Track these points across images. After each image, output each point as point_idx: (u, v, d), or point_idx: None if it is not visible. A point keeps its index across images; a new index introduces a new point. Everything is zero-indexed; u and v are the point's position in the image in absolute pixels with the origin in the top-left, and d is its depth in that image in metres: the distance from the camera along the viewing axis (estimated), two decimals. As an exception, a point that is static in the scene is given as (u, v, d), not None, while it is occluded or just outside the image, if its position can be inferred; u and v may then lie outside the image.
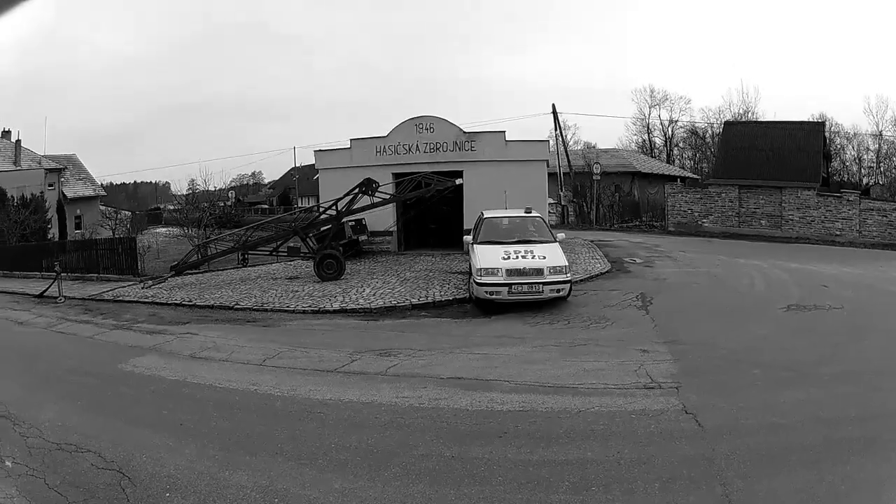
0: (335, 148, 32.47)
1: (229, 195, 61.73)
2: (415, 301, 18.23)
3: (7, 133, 69.91)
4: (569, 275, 16.95)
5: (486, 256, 17.11)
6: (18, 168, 63.34)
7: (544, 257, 16.78)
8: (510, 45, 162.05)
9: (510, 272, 16.31)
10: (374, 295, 19.64)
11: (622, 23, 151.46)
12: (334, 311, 18.27)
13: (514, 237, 18.32)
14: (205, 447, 9.21)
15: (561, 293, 16.57)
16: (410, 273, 23.16)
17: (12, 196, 53.43)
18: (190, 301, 22.18)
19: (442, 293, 18.86)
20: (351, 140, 31.19)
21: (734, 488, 6.68)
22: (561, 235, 19.84)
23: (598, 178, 50.75)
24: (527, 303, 16.58)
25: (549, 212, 37.06)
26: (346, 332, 15.94)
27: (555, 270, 16.42)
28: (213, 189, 51.98)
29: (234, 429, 9.86)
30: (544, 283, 16.23)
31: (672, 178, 55.14)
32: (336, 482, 7.53)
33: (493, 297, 16.52)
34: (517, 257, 16.74)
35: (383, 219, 27.61)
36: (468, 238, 19.49)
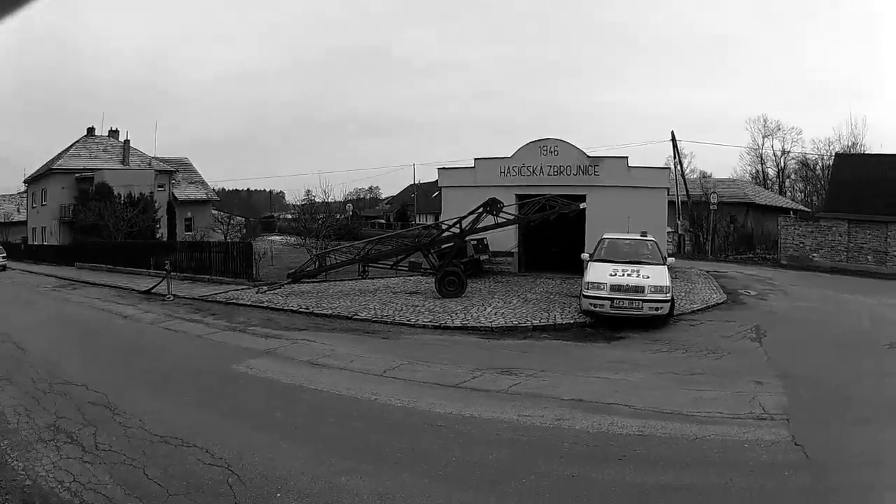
0: (459, 166, 33.46)
1: (347, 208, 63.00)
2: (536, 322, 18.71)
3: (115, 133, 73.54)
4: (668, 294, 18.36)
5: (596, 272, 19.05)
6: (127, 167, 66.36)
7: (648, 277, 18.40)
8: (624, 75, 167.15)
9: (614, 287, 18.14)
10: (495, 314, 20.11)
11: (737, 52, 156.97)
12: (455, 328, 18.75)
13: (627, 258, 20.09)
14: (320, 452, 9.52)
15: (659, 311, 18.16)
16: (532, 294, 23.58)
17: (119, 194, 55.95)
18: (307, 308, 22.96)
19: (563, 316, 19.35)
20: (475, 159, 32.16)
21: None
22: (671, 260, 21.44)
23: (715, 207, 51.51)
24: (629, 319, 18.20)
25: (668, 241, 37.34)
26: (467, 348, 16.39)
27: (655, 289, 18.04)
28: (330, 201, 53.16)
29: (352, 436, 10.23)
30: (643, 301, 17.95)
31: (784, 211, 54.87)
32: (455, 494, 7.78)
33: (597, 309, 18.38)
34: (623, 275, 18.53)
35: (505, 239, 28.54)
36: (585, 255, 21.34)
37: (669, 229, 42.14)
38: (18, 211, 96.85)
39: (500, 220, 24.88)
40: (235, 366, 15.22)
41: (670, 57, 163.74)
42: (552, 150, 30.28)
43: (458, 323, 19.24)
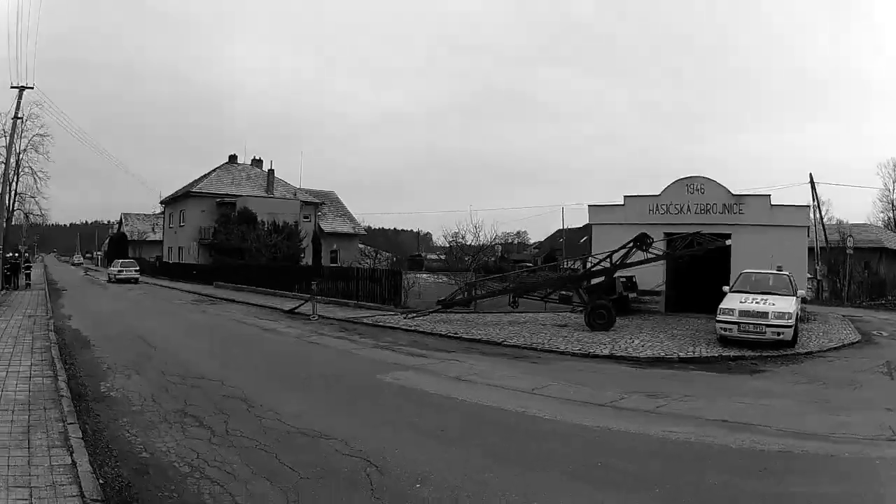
0: (609, 203, 33.99)
1: (496, 249, 63.46)
2: (682, 355, 19.30)
3: (258, 162, 76.50)
4: (791, 321, 20.04)
5: (729, 301, 21.33)
6: (271, 196, 68.48)
7: (773, 304, 20.45)
8: (752, 121, 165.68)
9: (741, 313, 20.32)
10: (642, 346, 20.79)
11: (868, 96, 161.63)
12: (603, 357, 19.30)
13: (760, 289, 22.33)
14: (465, 452, 9.91)
15: (781, 336, 19.95)
16: (678, 331, 24.16)
17: (263, 221, 58.14)
18: (455, 334, 23.72)
19: (708, 350, 19.97)
20: (625, 197, 33.05)
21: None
22: (802, 292, 23.67)
23: (851, 252, 52.38)
24: (753, 342, 20.09)
25: (807, 287, 37.79)
26: (615, 375, 16.82)
27: (778, 315, 19.96)
28: (479, 243, 53.83)
29: (499, 441, 10.61)
30: (766, 325, 19.89)
31: None
32: (599, 494, 8.14)
33: (726, 333, 20.60)
34: (752, 302, 20.76)
35: (652, 278, 29.17)
36: (726, 288, 23.09)
37: (808, 275, 42.19)
38: (153, 230, 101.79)
39: (649, 256, 25.45)
40: (381, 376, 15.81)
41: (801, 101, 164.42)
42: (699, 188, 30.83)
43: (605, 352, 19.76)
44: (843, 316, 33.09)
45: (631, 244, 25.07)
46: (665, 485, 8.45)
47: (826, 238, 54.04)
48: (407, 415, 12.12)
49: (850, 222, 69.57)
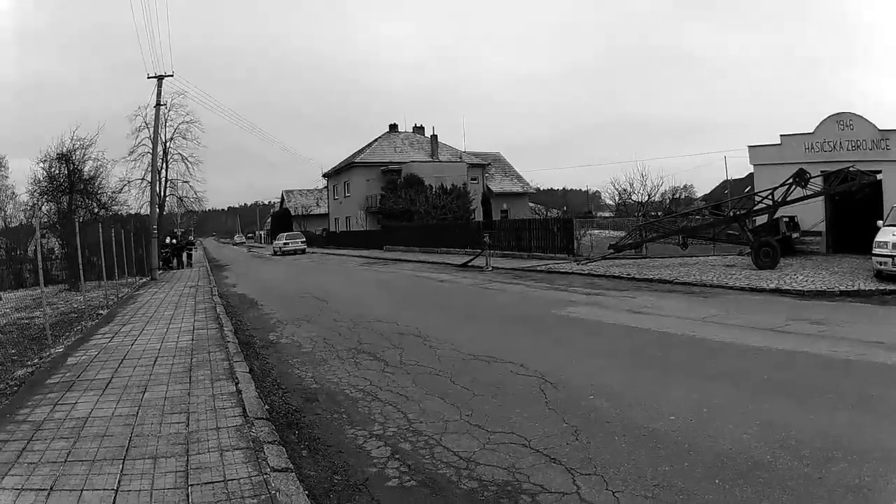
0: (767, 144, 33.50)
1: (665, 200, 62.50)
2: (842, 288, 19.29)
3: (420, 129, 77.40)
4: None
5: (883, 234, 20.65)
6: (436, 160, 69.07)
7: None
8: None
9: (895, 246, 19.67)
10: (805, 281, 20.82)
11: None
12: (769, 290, 19.56)
13: None
14: (636, 367, 10.33)
15: None
16: (838, 268, 23.96)
17: (430, 185, 58.76)
18: (628, 275, 24.28)
19: (866, 284, 19.77)
20: (781, 136, 32.61)
21: None
22: None
23: None
24: None
25: None
26: (780, 305, 16.87)
27: None
28: (643, 198, 53.05)
29: (669, 359, 10.99)
30: None
31: None
32: (765, 402, 8.27)
33: (882, 267, 20.10)
34: None
35: (812, 218, 29.11)
36: (880, 223, 22.33)
37: None
38: (318, 204, 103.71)
39: (807, 192, 25.35)
40: (556, 311, 16.24)
41: None
42: (848, 124, 29.97)
43: (771, 287, 20.05)
44: None
45: (791, 181, 25.11)
46: (825, 394, 8.50)
47: None
48: (580, 341, 12.46)
49: None
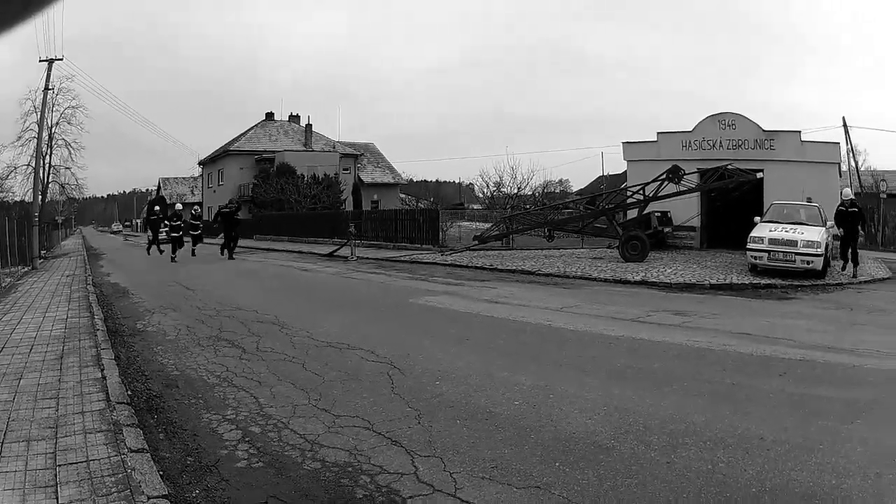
0: (643, 140, 34.02)
1: (536, 195, 63.49)
2: (713, 282, 19.57)
3: (296, 117, 76.78)
4: (819, 250, 20.07)
5: (759, 230, 21.41)
6: (310, 149, 68.93)
7: (803, 234, 20.46)
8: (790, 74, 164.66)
9: (771, 241, 20.42)
10: (674, 274, 21.12)
11: None
12: (635, 282, 19.88)
13: (789, 219, 22.35)
14: (486, 355, 10.34)
15: (811, 265, 19.98)
16: (711, 263, 24.45)
17: (302, 174, 58.58)
18: (491, 266, 24.40)
19: (739, 278, 20.17)
20: (658, 133, 33.11)
21: None
22: (830, 223, 22.72)
23: (885, 196, 51.82)
24: (783, 271, 20.29)
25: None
26: (644, 297, 17.22)
27: (807, 244, 20.01)
28: (516, 191, 53.78)
29: (521, 347, 11.12)
30: (796, 254, 19.99)
31: None
32: (615, 389, 8.37)
33: (756, 261, 20.82)
34: (780, 231, 20.75)
35: (687, 213, 29.14)
36: (757, 218, 23.00)
37: None
38: (192, 192, 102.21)
39: (681, 188, 25.56)
40: (413, 300, 16.37)
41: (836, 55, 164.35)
42: (730, 123, 30.78)
43: (637, 279, 20.40)
44: (876, 258, 32.62)
45: (664, 176, 25.32)
46: (682, 382, 8.64)
47: (860, 183, 53.79)
48: (434, 329, 12.57)
49: (887, 170, 68.98)
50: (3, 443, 6.41)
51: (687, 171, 25.99)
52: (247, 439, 6.67)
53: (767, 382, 8.72)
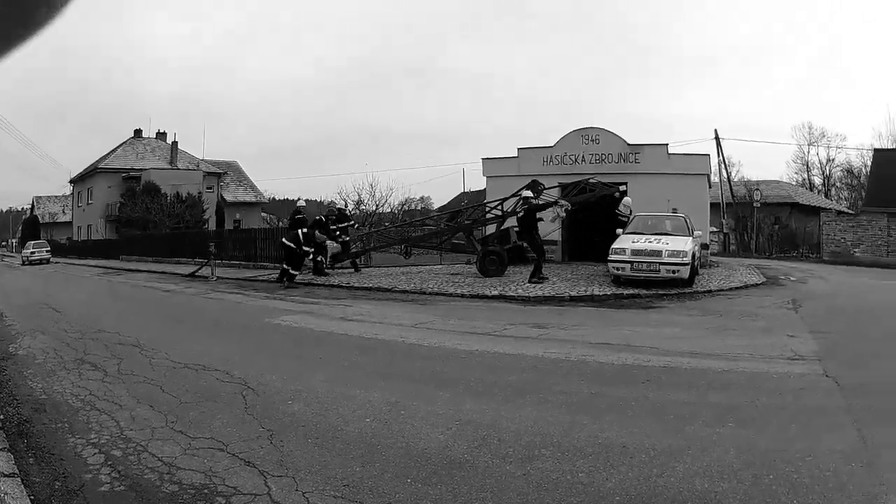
0: (502, 156, 33.65)
1: (396, 213, 63.76)
2: (573, 294, 19.40)
3: (163, 135, 75.99)
4: (686, 259, 19.72)
5: (621, 241, 21.01)
6: (175, 168, 68.29)
7: (667, 244, 20.11)
8: (667, 82, 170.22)
9: (634, 252, 19.97)
10: (533, 287, 20.82)
11: (780, 60, 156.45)
12: (492, 297, 19.56)
13: (654, 230, 21.97)
14: (339, 373, 10.31)
15: (677, 274, 19.64)
16: (572, 275, 24.22)
17: (166, 193, 57.79)
18: (348, 284, 24.06)
19: (601, 290, 19.93)
20: (518, 149, 32.72)
21: (869, 432, 6.98)
22: (699, 233, 22.91)
23: (759, 205, 53.12)
24: (648, 281, 19.92)
25: (712, 239, 39.30)
26: (502, 312, 16.92)
27: (672, 254, 19.63)
28: (375, 208, 54.00)
29: (373, 363, 11.04)
30: (661, 263, 19.58)
31: (827, 211, 55.16)
32: (468, 403, 8.29)
33: (619, 272, 20.36)
34: (644, 242, 20.35)
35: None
36: (620, 230, 22.72)
37: (714, 228, 43.39)
38: (63, 212, 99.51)
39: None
40: (269, 319, 16.09)
41: (711, 66, 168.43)
42: (594, 138, 30.80)
43: (495, 293, 20.00)
44: (750, 265, 33.45)
45: (523, 191, 24.99)
46: (538, 394, 8.62)
47: (732, 193, 55.05)
48: (288, 348, 12.60)
49: (762, 178, 70.86)
50: None
51: (548, 186, 26.10)
52: (109, 463, 6.60)
53: (629, 391, 8.71)
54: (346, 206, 50.67)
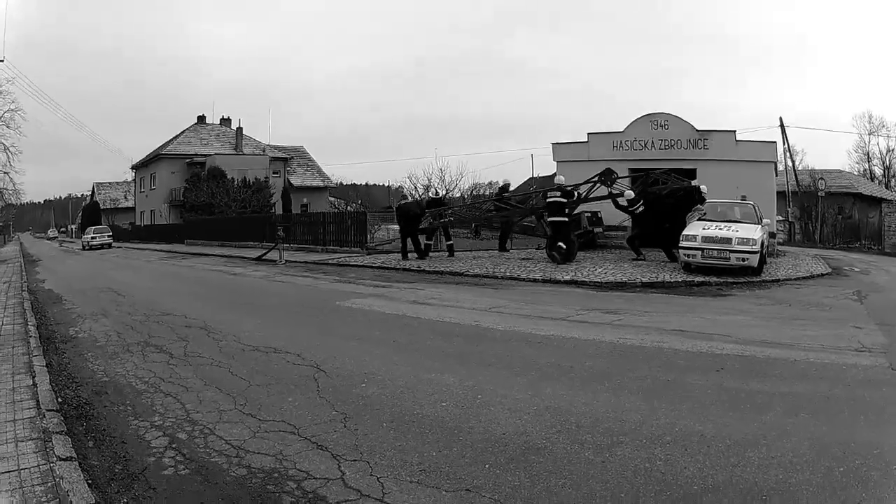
0: (572, 141, 33.76)
1: (464, 198, 63.63)
2: (644, 280, 19.33)
3: (227, 121, 76.75)
4: (755, 247, 19.89)
5: (692, 228, 21.18)
6: (240, 153, 68.84)
7: (737, 231, 20.25)
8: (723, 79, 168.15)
9: (705, 239, 20.08)
10: (604, 273, 20.80)
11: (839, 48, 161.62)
12: (564, 282, 19.55)
13: (723, 217, 22.34)
14: (412, 356, 10.17)
15: (746, 262, 19.80)
16: (642, 262, 24.27)
17: (233, 178, 58.12)
18: (419, 268, 24.03)
19: (671, 276, 19.89)
20: (588, 134, 32.79)
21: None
22: (767, 221, 23.33)
23: (823, 194, 52.56)
24: (718, 268, 20.04)
25: (778, 228, 38.84)
26: (575, 296, 16.86)
27: (742, 241, 19.79)
28: (444, 193, 53.78)
29: (449, 347, 10.84)
30: (731, 251, 19.75)
31: (889, 202, 54.52)
32: (546, 388, 8.16)
33: (690, 259, 20.47)
34: (714, 229, 20.48)
35: (618, 214, 28.44)
36: (689, 215, 23.06)
37: (779, 217, 43.10)
38: (125, 197, 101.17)
39: (614, 191, 25.05)
40: (340, 302, 16.10)
41: (776, 60, 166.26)
42: (662, 124, 30.68)
43: (567, 278, 19.97)
44: (815, 255, 33.14)
45: (596, 178, 24.83)
46: (614, 380, 8.50)
47: (798, 182, 54.78)
48: (360, 331, 12.34)
49: (825, 168, 69.87)
50: (-66, 450, 6.25)
51: (619, 173, 25.64)
52: (173, 446, 6.46)
53: (704, 379, 8.60)
54: (415, 189, 50.47)
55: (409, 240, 27.50)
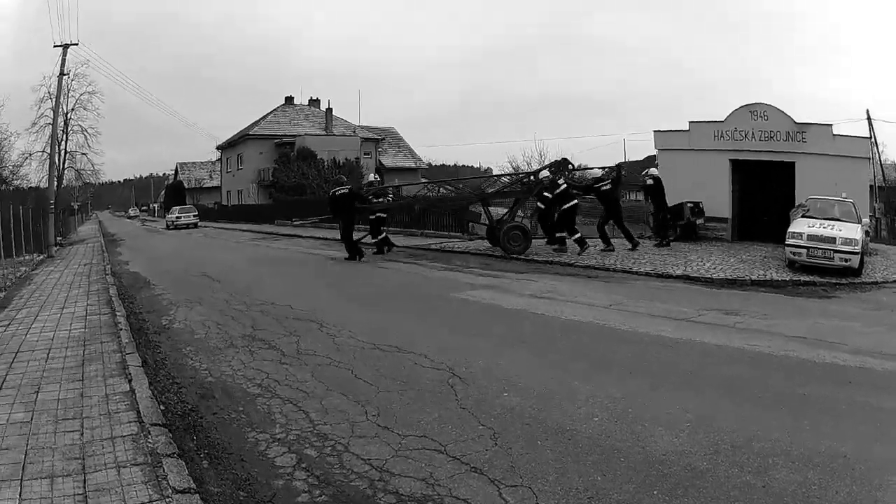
0: (675, 129, 33.03)
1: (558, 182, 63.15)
2: (753, 277, 19.35)
3: (315, 101, 77.19)
4: (857, 248, 19.78)
5: (797, 224, 21.08)
6: (330, 134, 69.07)
7: (840, 230, 20.10)
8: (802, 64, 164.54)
9: (810, 237, 20.01)
10: (714, 268, 20.81)
11: None
12: (676, 277, 19.54)
13: (825, 215, 21.95)
14: (548, 360, 9.94)
15: (848, 263, 19.64)
16: (747, 256, 23.82)
17: (322, 159, 58.14)
18: (527, 256, 23.77)
19: (778, 274, 19.85)
20: (689, 122, 32.13)
21: None
22: (865, 220, 23.53)
23: None
24: (820, 268, 19.80)
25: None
26: (689, 294, 16.86)
27: (845, 242, 19.66)
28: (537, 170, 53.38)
29: (580, 349, 10.60)
30: (834, 251, 19.63)
31: None
32: (690, 401, 7.95)
33: (796, 257, 20.37)
34: (819, 227, 20.36)
35: (719, 204, 28.88)
36: (794, 211, 23.00)
37: (868, 214, 41.71)
38: (210, 177, 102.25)
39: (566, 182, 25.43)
40: (455, 294, 15.78)
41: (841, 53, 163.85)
42: (762, 114, 29.88)
43: (679, 273, 20.09)
44: None
45: (549, 165, 26.16)
46: (753, 392, 8.32)
47: (884, 176, 53.29)
48: (483, 328, 12.05)
49: None
50: (21, 479, 5.68)
51: (718, 164, 27.15)
52: (303, 465, 6.11)
53: (836, 392, 8.43)
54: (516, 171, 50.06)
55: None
